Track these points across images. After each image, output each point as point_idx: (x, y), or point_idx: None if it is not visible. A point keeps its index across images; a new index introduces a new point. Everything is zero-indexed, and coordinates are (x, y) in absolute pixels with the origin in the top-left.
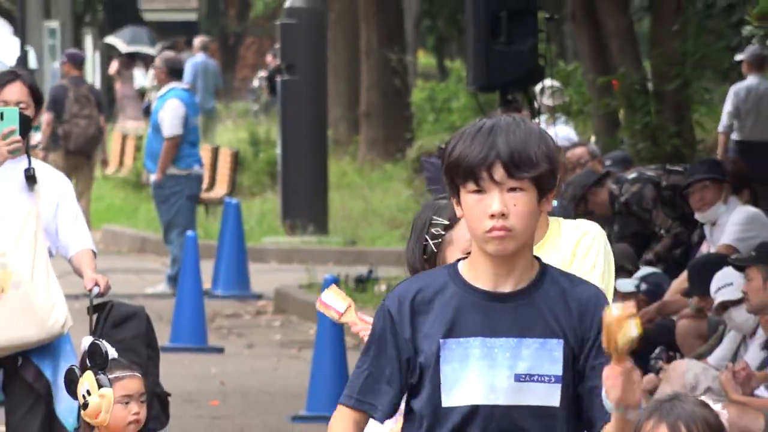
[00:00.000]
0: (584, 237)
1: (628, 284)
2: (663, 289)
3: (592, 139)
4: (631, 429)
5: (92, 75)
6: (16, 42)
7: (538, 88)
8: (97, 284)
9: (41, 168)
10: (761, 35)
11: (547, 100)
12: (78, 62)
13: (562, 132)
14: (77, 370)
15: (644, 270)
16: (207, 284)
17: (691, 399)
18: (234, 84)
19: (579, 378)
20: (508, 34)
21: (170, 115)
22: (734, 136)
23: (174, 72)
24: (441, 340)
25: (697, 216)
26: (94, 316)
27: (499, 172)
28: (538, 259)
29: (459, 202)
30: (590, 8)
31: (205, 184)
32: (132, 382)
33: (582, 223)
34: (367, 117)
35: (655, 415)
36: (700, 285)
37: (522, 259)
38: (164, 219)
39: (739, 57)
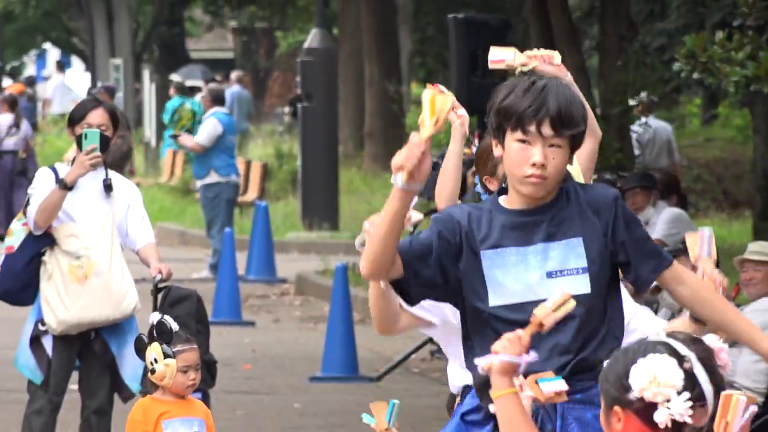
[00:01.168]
0: None
1: None
2: None
3: None
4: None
5: (149, 102)
6: (87, 76)
7: None
8: (160, 272)
9: (116, 178)
10: (688, 70)
11: None
12: (112, 93)
13: None
14: (146, 339)
15: None
16: (241, 271)
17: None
18: (263, 110)
19: (613, 258)
20: (484, 69)
21: (207, 129)
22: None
23: (217, 99)
24: (482, 252)
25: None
26: (158, 297)
27: (546, 128)
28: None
29: (499, 143)
30: (550, 48)
31: (239, 190)
32: (191, 355)
33: None
34: (370, 136)
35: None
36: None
37: (548, 196)
38: (208, 217)
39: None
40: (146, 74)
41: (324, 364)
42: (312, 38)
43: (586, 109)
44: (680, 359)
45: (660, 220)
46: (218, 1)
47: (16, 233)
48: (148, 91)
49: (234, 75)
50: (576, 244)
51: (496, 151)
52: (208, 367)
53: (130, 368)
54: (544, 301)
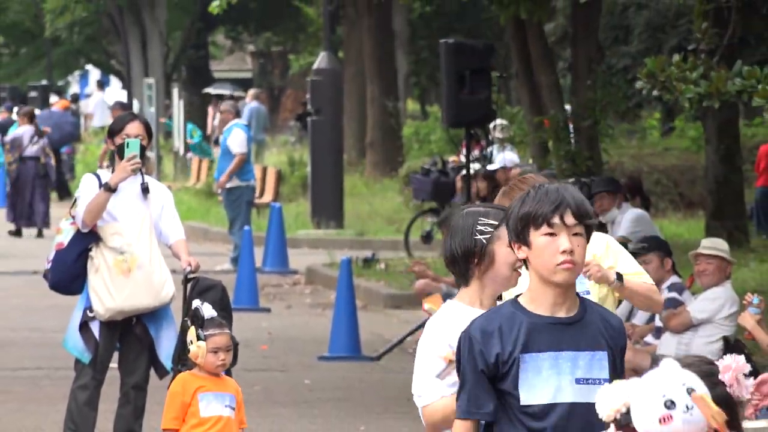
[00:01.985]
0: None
1: None
2: None
3: (530, 161)
4: None
5: (177, 116)
6: (124, 93)
7: (491, 125)
8: (190, 264)
9: (152, 182)
10: (648, 88)
11: (498, 134)
12: (126, 108)
13: (508, 156)
14: (188, 322)
15: None
16: (258, 263)
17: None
18: (278, 123)
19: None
20: (471, 87)
21: (238, 139)
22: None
23: (238, 114)
24: (519, 355)
25: (600, 218)
26: (187, 287)
27: (569, 218)
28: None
29: (522, 246)
30: (528, 69)
31: (257, 193)
32: (221, 338)
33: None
34: (371, 146)
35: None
36: None
37: (571, 292)
38: (230, 217)
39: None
40: (175, 92)
41: (331, 345)
42: (320, 60)
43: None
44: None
45: (624, 220)
46: (238, 28)
47: (65, 231)
48: (177, 106)
49: (252, 92)
50: (602, 357)
51: (519, 254)
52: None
53: (165, 349)
54: (572, 404)
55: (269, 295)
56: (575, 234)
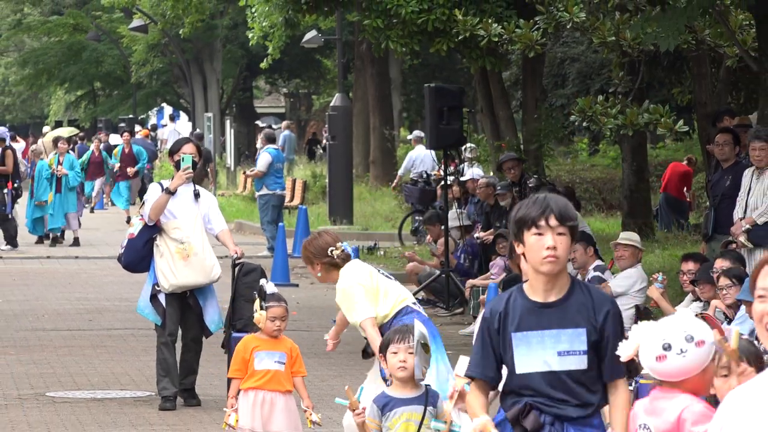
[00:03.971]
0: None
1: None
2: None
3: (491, 174)
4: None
5: (229, 141)
6: (189, 125)
7: (463, 148)
8: (236, 252)
9: (201, 190)
10: (579, 120)
11: (468, 154)
12: (200, 137)
13: (476, 171)
14: (255, 294)
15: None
16: (290, 250)
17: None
18: (303, 146)
19: (599, 351)
20: (447, 120)
21: (263, 161)
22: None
23: (270, 140)
24: (512, 333)
25: None
26: (235, 269)
27: (553, 220)
28: (570, 277)
29: (520, 243)
30: (490, 106)
31: (288, 198)
32: (277, 310)
33: None
34: (373, 163)
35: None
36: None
37: (560, 279)
38: (262, 217)
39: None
40: (228, 123)
41: None
42: (335, 99)
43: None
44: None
45: None
46: (275, 75)
47: (135, 225)
48: (229, 134)
49: (285, 123)
50: (581, 333)
51: (518, 249)
52: None
53: (209, 315)
54: (557, 371)
55: (297, 274)
56: (559, 233)
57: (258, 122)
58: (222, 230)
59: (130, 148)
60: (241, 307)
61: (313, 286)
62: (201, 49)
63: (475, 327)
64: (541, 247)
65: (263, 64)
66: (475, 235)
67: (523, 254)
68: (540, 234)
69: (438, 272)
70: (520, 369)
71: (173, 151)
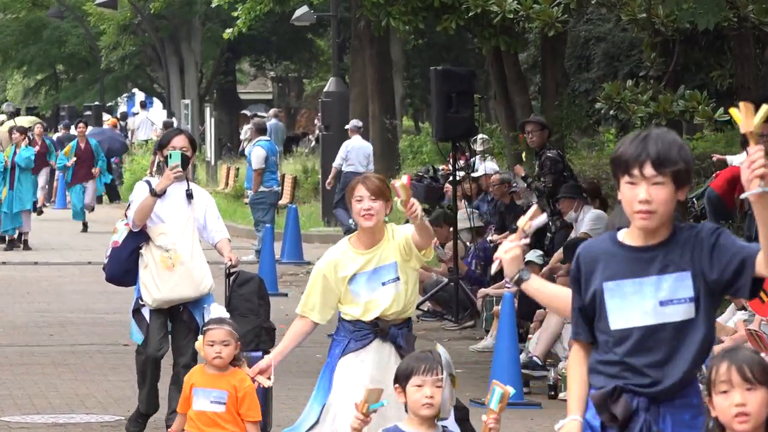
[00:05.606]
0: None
1: (538, 258)
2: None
3: (506, 168)
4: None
5: (209, 131)
6: (164, 113)
7: (474, 139)
8: (230, 260)
9: (195, 188)
10: (606, 108)
11: (479, 147)
12: (168, 126)
13: (489, 165)
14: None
15: (539, 251)
16: (277, 255)
17: (747, 348)
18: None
19: (713, 285)
20: (456, 107)
21: (256, 156)
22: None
23: (260, 130)
24: (603, 283)
25: (565, 217)
26: (229, 279)
27: (647, 169)
28: (674, 224)
29: (617, 187)
30: (505, 92)
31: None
32: (216, 332)
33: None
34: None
35: (725, 359)
36: (569, 257)
37: (661, 228)
38: (256, 217)
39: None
40: (207, 111)
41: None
42: (330, 84)
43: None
44: None
45: (586, 219)
46: (261, 57)
47: (120, 231)
48: (209, 123)
49: (272, 111)
50: (684, 277)
51: (618, 194)
52: (268, 332)
53: None
54: (659, 325)
55: (287, 282)
56: (655, 183)
57: (246, 112)
58: (222, 239)
59: (86, 143)
60: (235, 322)
61: None
62: (177, 27)
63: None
64: (632, 199)
65: (226, 35)
66: (488, 238)
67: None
68: (632, 183)
69: (446, 280)
70: (614, 324)
71: (162, 144)
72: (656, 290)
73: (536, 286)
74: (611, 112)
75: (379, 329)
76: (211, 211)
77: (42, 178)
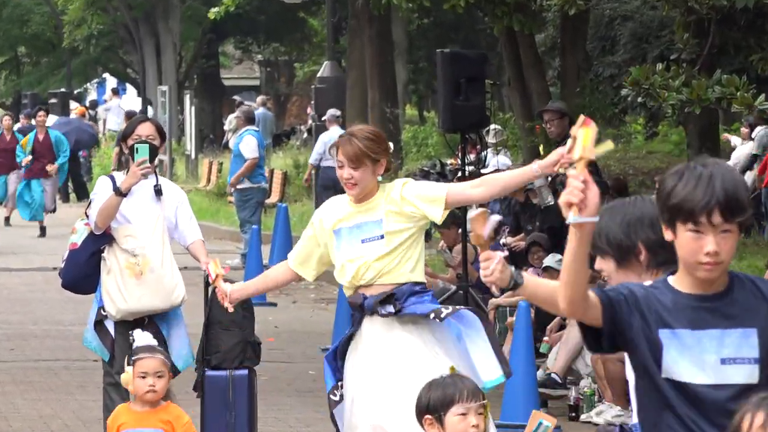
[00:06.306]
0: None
1: (558, 264)
2: None
3: (521, 162)
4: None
5: (189, 121)
6: (138, 100)
7: (485, 130)
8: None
9: (165, 183)
10: (633, 95)
11: (491, 138)
12: (131, 116)
13: (502, 159)
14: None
15: (558, 255)
16: (266, 260)
17: None
18: (284, 128)
19: None
20: (466, 94)
21: (248, 145)
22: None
23: (249, 119)
24: (660, 330)
25: None
26: (209, 289)
27: (716, 217)
28: (729, 271)
29: (669, 229)
30: (520, 77)
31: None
32: (148, 362)
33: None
34: None
35: (763, 409)
36: (593, 261)
37: (722, 276)
38: (242, 216)
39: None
40: (187, 99)
41: (334, 337)
42: (324, 69)
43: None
44: None
45: None
46: (247, 39)
47: (80, 232)
48: (189, 112)
49: (259, 99)
50: (750, 334)
51: (667, 235)
52: (253, 347)
53: (175, 349)
54: (718, 385)
55: (275, 290)
56: (724, 231)
57: (237, 97)
58: (195, 241)
59: (46, 134)
60: (217, 336)
61: (295, 306)
62: (154, 4)
63: None
64: (697, 251)
65: (212, 14)
66: (502, 240)
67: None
68: (698, 232)
69: (454, 288)
70: (665, 374)
71: (126, 134)
72: (719, 346)
73: (532, 287)
74: (639, 100)
75: (356, 304)
76: (182, 209)
77: (13, 183)
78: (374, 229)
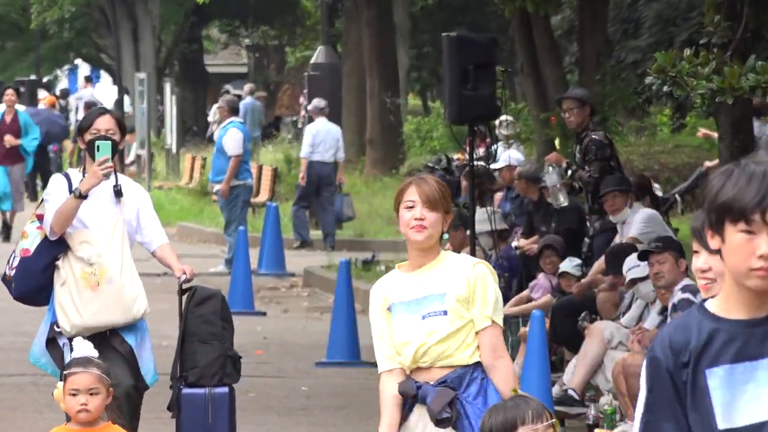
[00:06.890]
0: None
1: (576, 269)
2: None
3: (535, 157)
4: None
5: (170, 112)
6: (114, 89)
7: (496, 121)
8: (184, 273)
9: (125, 182)
10: (659, 83)
11: (503, 131)
12: (90, 106)
13: (513, 154)
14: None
15: (576, 260)
16: (254, 265)
17: None
18: (273, 119)
19: None
20: (474, 82)
21: (233, 140)
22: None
23: (233, 110)
24: (707, 370)
25: (611, 218)
26: (183, 298)
27: None
28: None
29: (716, 235)
30: (534, 63)
31: (252, 192)
32: (81, 378)
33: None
34: (371, 143)
35: None
36: (614, 266)
37: None
38: (227, 216)
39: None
40: (167, 87)
41: (329, 350)
42: (318, 54)
43: None
44: None
45: (636, 220)
46: (234, 22)
47: (31, 236)
48: (170, 102)
49: (247, 88)
50: None
51: (713, 243)
52: (233, 363)
53: (144, 361)
54: None
55: (265, 298)
56: None
57: (229, 87)
58: (161, 245)
59: (14, 115)
60: (193, 351)
61: (286, 316)
62: None
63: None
64: (750, 253)
65: None
66: (513, 243)
67: (719, 250)
68: (751, 233)
69: None
70: (723, 424)
71: (83, 128)
72: None
73: None
74: (665, 89)
75: (407, 390)
76: (145, 211)
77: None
78: (436, 303)
